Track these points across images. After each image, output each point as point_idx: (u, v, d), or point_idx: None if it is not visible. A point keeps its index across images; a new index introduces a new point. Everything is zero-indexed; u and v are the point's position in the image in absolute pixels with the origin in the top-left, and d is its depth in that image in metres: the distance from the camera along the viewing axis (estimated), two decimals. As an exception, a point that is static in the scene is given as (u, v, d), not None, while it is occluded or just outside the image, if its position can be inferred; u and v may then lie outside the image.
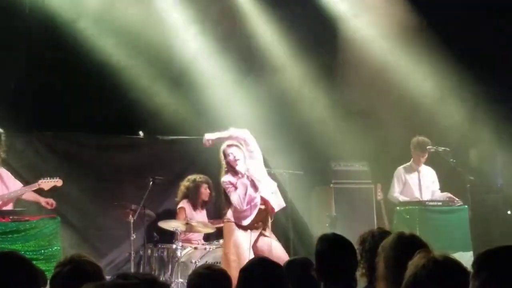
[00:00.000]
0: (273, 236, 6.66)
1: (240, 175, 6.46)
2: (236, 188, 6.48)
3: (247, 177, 6.47)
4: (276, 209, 6.66)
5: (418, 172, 8.19)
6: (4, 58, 8.20)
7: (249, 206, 6.47)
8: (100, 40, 8.52)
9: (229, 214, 6.64)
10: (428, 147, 8.06)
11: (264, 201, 6.56)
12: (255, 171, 6.57)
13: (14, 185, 6.83)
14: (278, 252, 6.46)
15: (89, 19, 8.52)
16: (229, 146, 6.54)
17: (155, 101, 9.05)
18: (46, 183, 6.81)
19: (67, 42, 8.41)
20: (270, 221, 6.64)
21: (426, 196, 8.07)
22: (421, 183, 8.15)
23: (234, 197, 6.46)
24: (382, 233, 3.77)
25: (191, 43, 9.14)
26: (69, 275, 2.83)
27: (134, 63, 8.79)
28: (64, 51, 8.44)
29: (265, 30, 9.45)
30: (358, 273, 3.68)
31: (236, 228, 6.52)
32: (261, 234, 6.57)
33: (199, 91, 9.19)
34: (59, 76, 8.56)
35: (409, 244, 2.90)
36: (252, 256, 6.20)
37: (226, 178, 6.56)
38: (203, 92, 9.21)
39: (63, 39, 8.39)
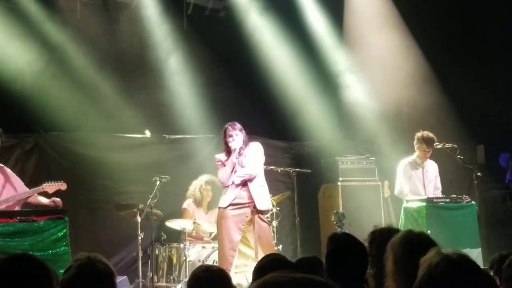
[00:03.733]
0: (265, 223, 6.91)
1: (231, 152, 6.85)
2: (224, 165, 6.84)
3: (238, 153, 6.83)
4: (260, 207, 6.84)
5: (423, 167, 8.13)
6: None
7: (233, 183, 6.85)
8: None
9: (220, 202, 6.90)
10: (435, 143, 8.02)
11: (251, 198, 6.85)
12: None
13: (21, 187, 6.84)
14: (268, 239, 6.87)
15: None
16: (232, 127, 6.91)
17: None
18: (50, 187, 6.84)
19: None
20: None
21: (429, 191, 8.04)
22: (424, 178, 8.11)
23: (220, 173, 6.89)
24: (391, 231, 3.73)
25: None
26: (80, 268, 2.83)
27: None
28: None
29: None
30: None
31: (226, 214, 6.78)
32: (259, 218, 6.85)
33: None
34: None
35: (417, 242, 2.89)
36: (237, 237, 6.71)
37: (218, 156, 7.01)
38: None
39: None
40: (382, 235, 3.62)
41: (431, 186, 8.10)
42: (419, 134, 8.04)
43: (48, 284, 2.40)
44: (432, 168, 8.18)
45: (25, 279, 2.36)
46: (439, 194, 8.04)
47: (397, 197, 8.30)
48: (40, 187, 6.82)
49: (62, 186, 6.94)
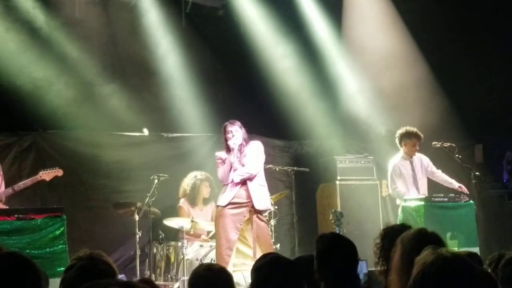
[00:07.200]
0: (263, 223, 6.90)
1: (231, 150, 6.86)
2: (224, 163, 6.87)
3: (237, 152, 6.83)
4: (258, 207, 6.83)
5: (411, 162, 8.11)
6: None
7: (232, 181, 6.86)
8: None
9: (219, 200, 6.90)
10: (433, 142, 8.03)
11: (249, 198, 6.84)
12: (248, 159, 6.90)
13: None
14: (267, 238, 6.86)
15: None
16: (231, 123, 6.90)
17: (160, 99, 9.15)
18: (47, 174, 7.09)
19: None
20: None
21: (421, 187, 8.04)
22: (415, 173, 8.09)
23: (220, 171, 6.89)
24: (404, 229, 3.70)
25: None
26: (82, 269, 2.83)
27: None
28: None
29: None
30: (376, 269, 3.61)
31: (224, 213, 6.79)
32: (258, 218, 6.84)
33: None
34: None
35: (429, 241, 2.84)
36: (235, 237, 6.71)
37: (218, 153, 7.00)
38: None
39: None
40: (394, 232, 3.58)
41: (422, 181, 8.10)
42: (402, 131, 8.03)
43: (36, 284, 2.36)
44: (420, 161, 8.14)
45: (12, 279, 2.32)
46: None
47: (394, 196, 8.29)
48: (38, 175, 6.96)
49: (59, 172, 7.15)
